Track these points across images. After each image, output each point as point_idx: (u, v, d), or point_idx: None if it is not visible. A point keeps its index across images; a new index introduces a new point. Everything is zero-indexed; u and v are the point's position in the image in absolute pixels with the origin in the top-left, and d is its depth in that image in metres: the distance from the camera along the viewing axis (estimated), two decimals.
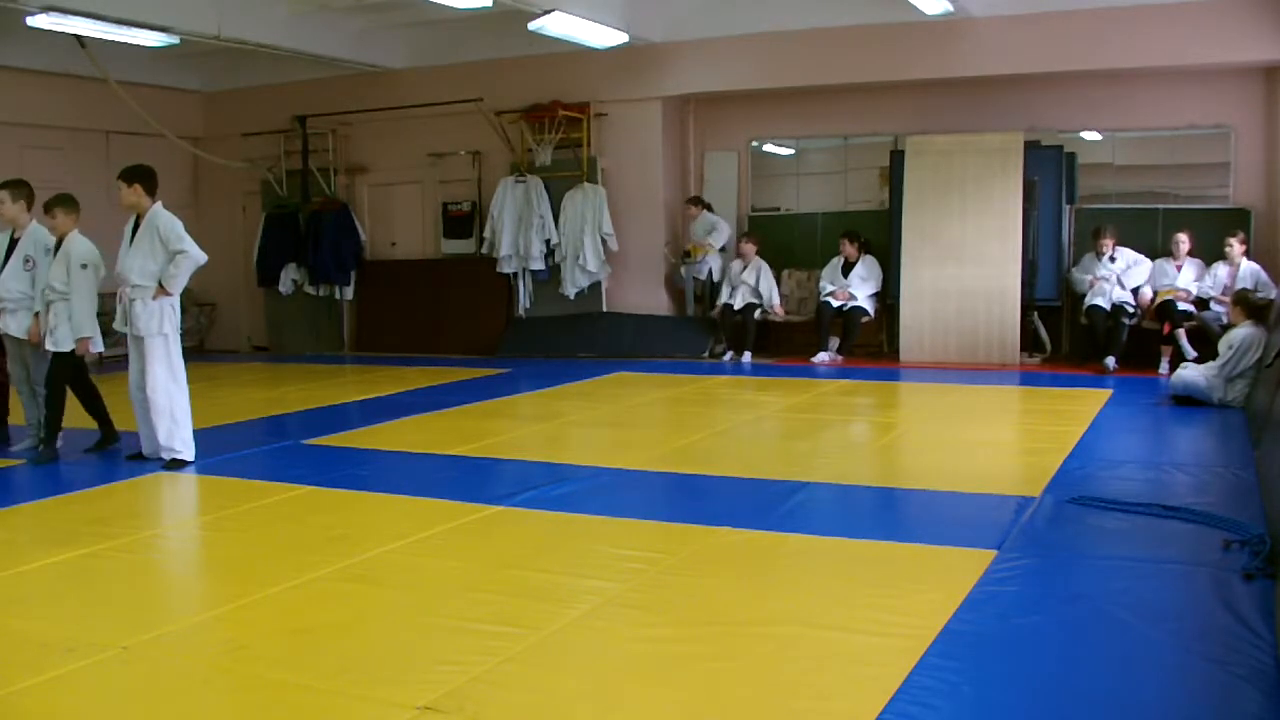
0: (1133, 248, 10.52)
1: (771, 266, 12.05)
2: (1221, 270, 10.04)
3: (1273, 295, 9.45)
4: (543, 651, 3.62)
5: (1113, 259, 10.42)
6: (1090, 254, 10.65)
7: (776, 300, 11.94)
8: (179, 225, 6.77)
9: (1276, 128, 10.46)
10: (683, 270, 12.47)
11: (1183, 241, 10.23)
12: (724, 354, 11.87)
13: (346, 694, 3.31)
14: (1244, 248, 10.01)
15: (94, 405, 7.33)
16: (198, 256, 6.78)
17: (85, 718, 3.28)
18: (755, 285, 11.92)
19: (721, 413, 8.55)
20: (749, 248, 11.99)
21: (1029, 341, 10.97)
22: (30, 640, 3.80)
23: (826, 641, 3.64)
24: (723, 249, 12.35)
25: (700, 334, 12.23)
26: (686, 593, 4.20)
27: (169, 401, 6.74)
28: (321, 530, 5.25)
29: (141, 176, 6.85)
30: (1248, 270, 9.89)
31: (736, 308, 11.92)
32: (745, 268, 12.01)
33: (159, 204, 6.87)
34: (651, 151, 12.56)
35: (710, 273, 12.30)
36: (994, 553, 4.51)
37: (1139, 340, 10.26)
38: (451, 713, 3.15)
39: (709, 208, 12.41)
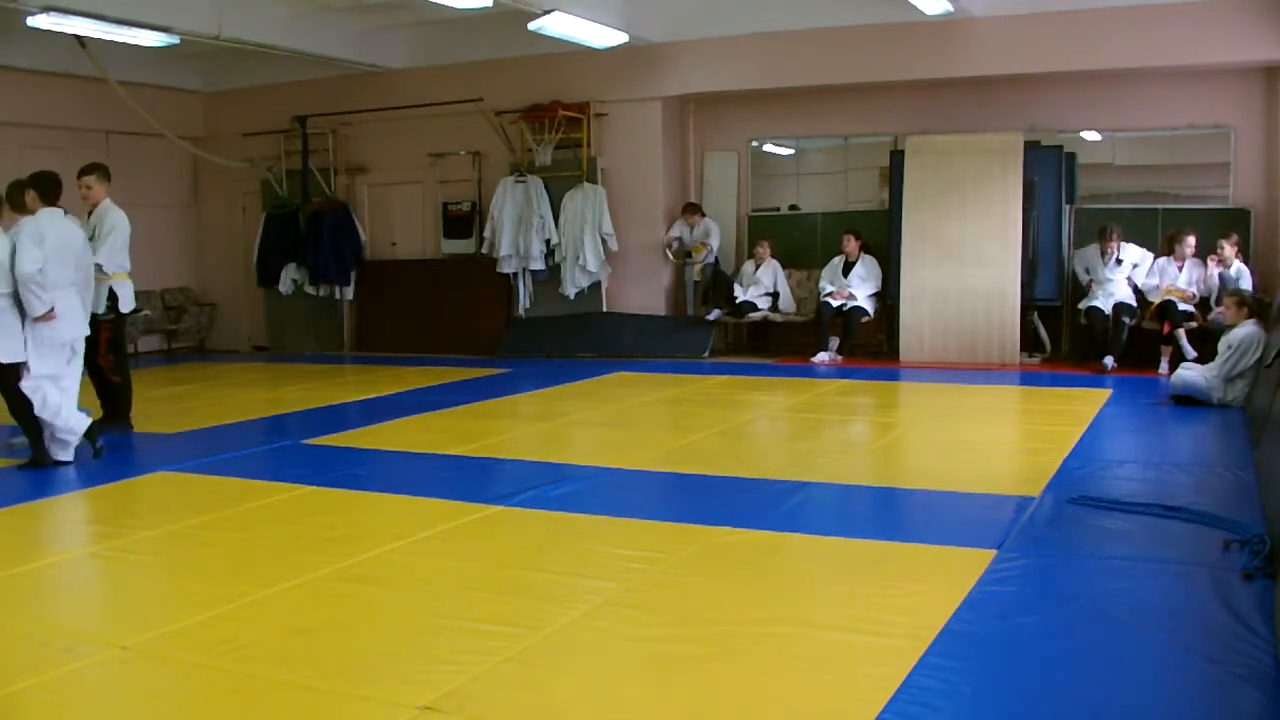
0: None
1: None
2: (1212, 269, 10.02)
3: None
4: (543, 651, 3.62)
5: (1119, 260, 10.40)
6: (1093, 248, 10.60)
7: (791, 304, 12.06)
8: (23, 236, 6.54)
9: (1276, 128, 10.45)
10: (685, 271, 12.50)
11: (1189, 243, 10.20)
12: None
13: (346, 694, 3.31)
14: (1236, 249, 9.97)
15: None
16: (20, 273, 6.48)
17: (85, 718, 3.28)
18: (770, 287, 12.01)
19: (721, 413, 8.55)
20: (763, 250, 12.03)
21: (1029, 341, 10.97)
22: (30, 640, 3.80)
23: (826, 641, 3.64)
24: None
25: (700, 334, 12.23)
26: (686, 593, 4.20)
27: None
28: (321, 530, 5.25)
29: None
30: (1236, 270, 9.87)
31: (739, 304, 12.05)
32: (759, 267, 12.05)
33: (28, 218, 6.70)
34: (651, 151, 12.56)
35: (717, 261, 12.31)
36: (994, 553, 4.51)
37: (1139, 340, 10.26)
38: (451, 713, 3.15)
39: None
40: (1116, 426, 7.69)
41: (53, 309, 6.65)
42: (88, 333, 7.17)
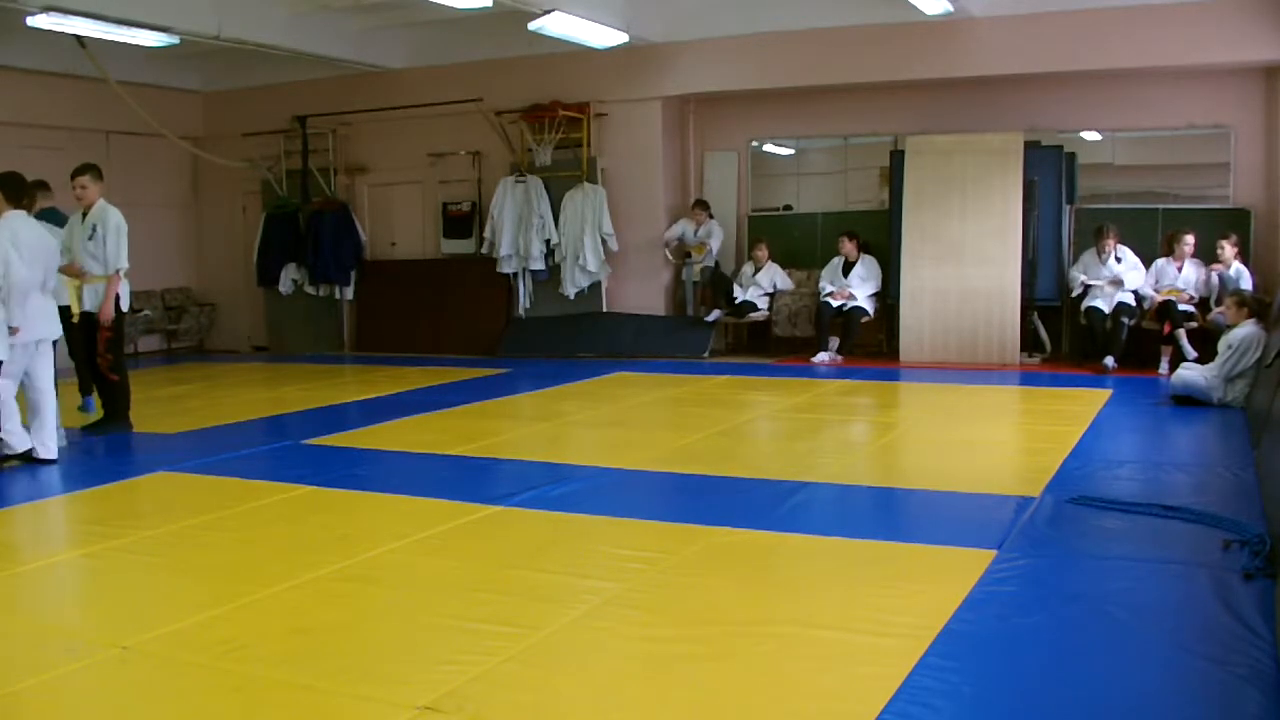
0: (1132, 248, 10.49)
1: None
2: (1212, 270, 10.02)
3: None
4: (543, 651, 3.62)
5: (1119, 259, 10.40)
6: (1090, 251, 10.61)
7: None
8: (1, 240, 6.48)
9: (1276, 128, 10.45)
10: (684, 271, 12.50)
11: (1188, 243, 10.19)
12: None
13: (346, 694, 3.31)
14: (1236, 250, 9.97)
15: None
16: (8, 279, 6.49)
17: (85, 718, 3.28)
18: (769, 289, 12.05)
19: (721, 413, 8.55)
20: (761, 252, 12.04)
21: (1029, 341, 10.97)
22: (30, 640, 3.80)
23: (826, 641, 3.64)
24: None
25: (700, 334, 12.22)
26: (686, 593, 4.20)
27: None
28: (321, 530, 5.25)
29: None
30: (1236, 271, 9.87)
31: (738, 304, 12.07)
32: (758, 271, 12.06)
33: None
34: (651, 151, 12.56)
35: (717, 264, 12.31)
36: (994, 553, 4.51)
37: (1139, 340, 10.26)
38: (451, 713, 3.15)
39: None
40: (1116, 426, 7.68)
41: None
42: (59, 334, 7.12)
